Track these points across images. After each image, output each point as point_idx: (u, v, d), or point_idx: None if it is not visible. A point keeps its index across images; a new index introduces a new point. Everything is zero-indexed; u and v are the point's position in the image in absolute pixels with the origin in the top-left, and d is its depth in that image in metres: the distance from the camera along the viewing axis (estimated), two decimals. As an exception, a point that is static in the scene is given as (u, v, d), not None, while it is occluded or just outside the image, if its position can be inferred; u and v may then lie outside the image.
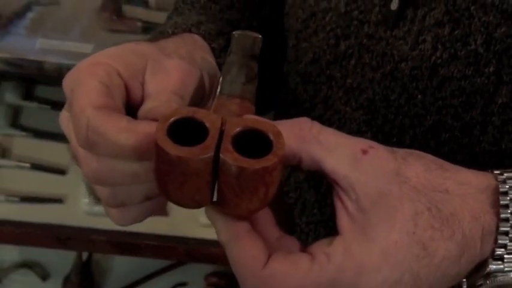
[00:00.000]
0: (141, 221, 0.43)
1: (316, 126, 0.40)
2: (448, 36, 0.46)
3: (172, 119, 0.36)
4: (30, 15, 1.28)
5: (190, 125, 0.36)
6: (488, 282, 0.40)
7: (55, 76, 1.17)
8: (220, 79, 0.43)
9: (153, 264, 1.49)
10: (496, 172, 0.41)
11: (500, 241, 0.39)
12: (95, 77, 0.40)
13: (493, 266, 0.40)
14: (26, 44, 1.22)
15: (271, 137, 0.36)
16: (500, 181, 0.40)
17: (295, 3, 0.56)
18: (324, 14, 0.53)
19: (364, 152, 0.39)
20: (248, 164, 0.35)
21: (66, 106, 0.42)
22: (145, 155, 0.38)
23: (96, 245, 1.18)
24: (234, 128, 0.37)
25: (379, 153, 0.40)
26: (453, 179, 0.40)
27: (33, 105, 1.35)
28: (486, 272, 0.40)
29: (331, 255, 0.38)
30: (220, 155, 0.35)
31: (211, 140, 0.36)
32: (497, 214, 0.39)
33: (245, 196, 0.36)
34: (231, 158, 0.35)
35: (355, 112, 0.51)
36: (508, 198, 0.39)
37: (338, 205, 0.40)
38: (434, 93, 0.47)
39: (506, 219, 0.39)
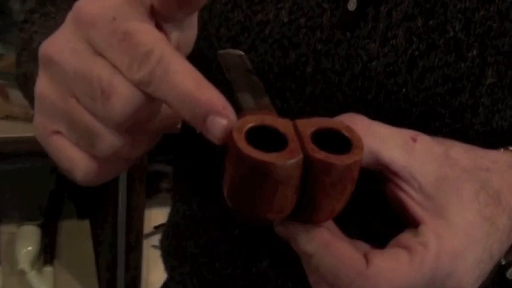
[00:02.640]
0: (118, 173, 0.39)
1: (365, 119, 0.40)
2: (422, 28, 0.45)
3: (246, 127, 0.33)
4: None
5: (258, 132, 0.34)
6: None
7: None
8: (237, 97, 0.40)
9: None
10: (511, 148, 0.43)
11: None
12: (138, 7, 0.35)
13: None
14: None
15: (346, 133, 0.35)
16: None
17: (212, 23, 0.53)
18: (262, 26, 0.50)
19: (414, 139, 0.39)
20: (338, 159, 0.33)
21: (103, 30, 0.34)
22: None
23: None
24: (309, 128, 0.35)
25: (427, 139, 0.40)
26: (487, 158, 0.41)
27: None
28: None
29: (427, 244, 0.38)
30: (310, 154, 0.33)
31: (293, 143, 0.33)
32: None
33: (335, 196, 0.34)
34: (320, 156, 0.33)
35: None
36: None
37: (403, 196, 0.39)
38: (416, 85, 0.46)
39: None
